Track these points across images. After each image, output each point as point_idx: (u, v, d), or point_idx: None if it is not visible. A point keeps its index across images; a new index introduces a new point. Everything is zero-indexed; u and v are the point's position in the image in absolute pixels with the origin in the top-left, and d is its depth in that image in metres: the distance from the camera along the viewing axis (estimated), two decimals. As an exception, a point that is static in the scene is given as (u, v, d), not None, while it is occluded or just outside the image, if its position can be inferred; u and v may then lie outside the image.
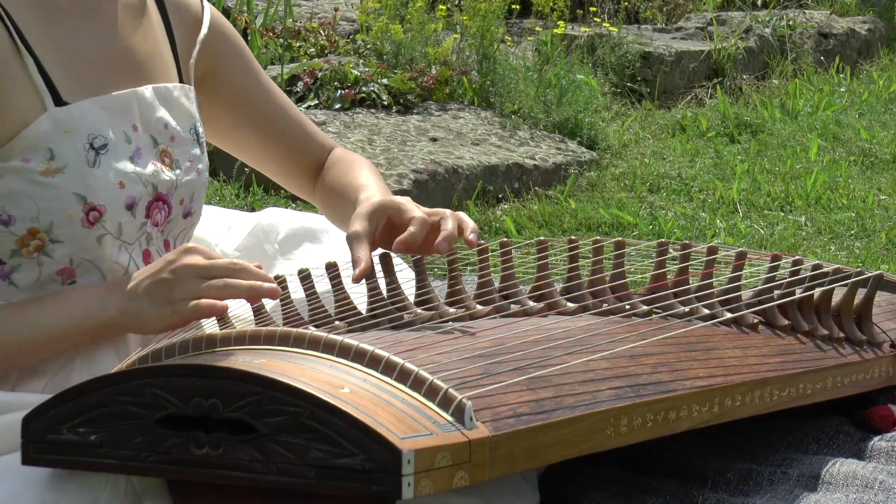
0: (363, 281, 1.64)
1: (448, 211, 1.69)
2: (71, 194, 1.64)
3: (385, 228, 1.70)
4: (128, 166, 1.69)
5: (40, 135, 1.63)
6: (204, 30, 1.86)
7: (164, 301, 1.59)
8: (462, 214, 1.69)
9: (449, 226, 1.65)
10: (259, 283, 1.60)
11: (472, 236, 1.66)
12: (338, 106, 4.90)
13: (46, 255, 1.66)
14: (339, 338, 1.43)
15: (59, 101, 1.65)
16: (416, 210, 1.68)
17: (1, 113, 1.61)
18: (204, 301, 1.57)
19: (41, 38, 1.65)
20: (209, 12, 1.88)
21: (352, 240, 1.66)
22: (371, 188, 1.82)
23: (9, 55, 1.62)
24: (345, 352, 1.41)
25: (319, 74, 5.01)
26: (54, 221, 1.64)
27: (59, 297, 1.65)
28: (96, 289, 1.65)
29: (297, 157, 1.98)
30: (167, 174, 1.74)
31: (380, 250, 1.70)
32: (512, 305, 1.70)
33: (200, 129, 1.82)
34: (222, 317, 1.64)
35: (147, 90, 1.74)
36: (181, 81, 1.82)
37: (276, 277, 1.68)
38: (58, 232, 1.65)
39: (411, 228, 1.65)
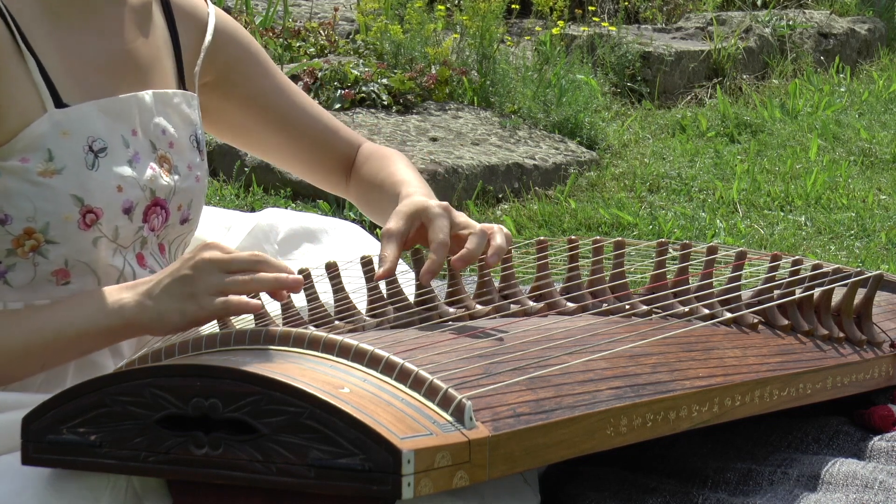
0: (364, 281, 1.64)
1: (486, 228, 1.66)
2: (68, 196, 1.64)
3: (420, 229, 1.69)
4: (126, 170, 1.69)
5: (39, 136, 1.63)
6: (208, 38, 1.86)
7: (186, 296, 1.55)
8: (497, 232, 1.65)
9: (472, 245, 1.62)
10: (283, 275, 1.57)
11: (492, 258, 1.64)
12: (338, 106, 4.90)
13: (41, 256, 1.65)
14: (339, 338, 1.43)
15: (59, 103, 1.65)
16: (470, 222, 1.66)
17: (2, 112, 1.61)
18: (234, 298, 1.54)
19: (44, 39, 1.66)
20: (214, 20, 1.88)
21: (384, 236, 1.65)
22: (412, 184, 1.80)
23: (10, 55, 1.62)
24: (345, 352, 1.41)
25: (319, 74, 5.01)
26: (50, 222, 1.64)
27: (72, 300, 1.63)
28: (112, 290, 1.62)
29: (322, 155, 1.98)
30: (165, 179, 1.74)
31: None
32: (512, 305, 1.70)
33: (201, 137, 1.82)
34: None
35: (147, 95, 1.74)
36: (184, 88, 1.82)
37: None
38: (54, 233, 1.65)
39: (468, 245, 1.62)
